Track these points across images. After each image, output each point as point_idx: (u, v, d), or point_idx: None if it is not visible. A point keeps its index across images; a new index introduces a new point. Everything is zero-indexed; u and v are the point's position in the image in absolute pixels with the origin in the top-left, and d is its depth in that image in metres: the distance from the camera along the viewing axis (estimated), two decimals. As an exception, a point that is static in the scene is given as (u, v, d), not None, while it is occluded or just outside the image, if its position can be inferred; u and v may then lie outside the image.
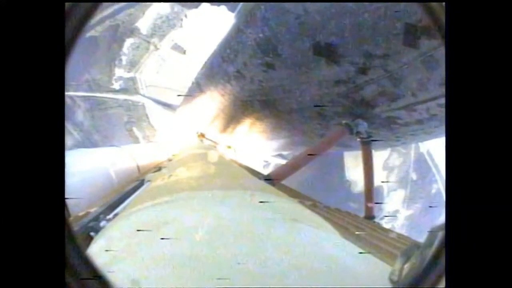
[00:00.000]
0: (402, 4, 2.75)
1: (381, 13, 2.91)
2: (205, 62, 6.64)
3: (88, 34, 11.75)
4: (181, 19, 12.48)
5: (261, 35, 4.06)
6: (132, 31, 12.44)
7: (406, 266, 0.66)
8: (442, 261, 0.60)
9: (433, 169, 15.75)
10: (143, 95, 12.92)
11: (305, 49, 3.72)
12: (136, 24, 12.50)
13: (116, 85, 12.61)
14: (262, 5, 3.84)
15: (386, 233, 2.46)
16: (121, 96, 12.65)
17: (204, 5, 12.12)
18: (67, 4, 0.58)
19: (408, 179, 15.89)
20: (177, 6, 12.38)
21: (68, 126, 12.51)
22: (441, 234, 0.63)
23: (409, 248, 0.68)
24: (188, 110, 9.26)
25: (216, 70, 5.87)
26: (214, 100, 6.77)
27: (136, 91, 12.75)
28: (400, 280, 0.66)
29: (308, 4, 3.35)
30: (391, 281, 0.69)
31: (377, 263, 1.04)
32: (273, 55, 4.14)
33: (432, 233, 0.64)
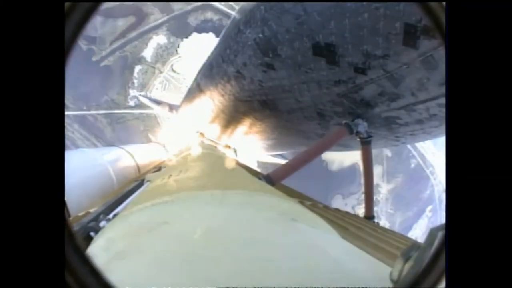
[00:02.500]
0: (402, 4, 2.75)
1: (381, 13, 2.91)
2: (205, 63, 6.63)
3: (103, 64, 14.95)
4: (176, 48, 15.29)
5: (261, 35, 4.06)
6: (139, 60, 15.39)
7: (406, 266, 0.66)
8: (442, 261, 0.60)
9: (408, 146, 16.35)
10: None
11: (305, 49, 3.72)
12: (142, 54, 15.43)
13: (132, 103, 15.74)
14: (262, 5, 3.83)
15: (386, 233, 2.46)
16: (136, 111, 15.76)
17: (194, 34, 14.97)
18: (67, 4, 0.58)
19: (383, 155, 16.70)
20: (172, 37, 15.23)
21: (92, 139, 15.54)
22: (441, 234, 0.63)
23: (409, 248, 0.68)
24: (188, 110, 9.26)
25: (216, 70, 5.87)
26: (214, 100, 6.76)
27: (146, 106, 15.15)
28: (400, 280, 0.66)
29: (308, 4, 3.35)
30: (391, 281, 0.69)
31: (377, 263, 1.04)
32: (273, 55, 4.14)
33: (432, 233, 0.64)
